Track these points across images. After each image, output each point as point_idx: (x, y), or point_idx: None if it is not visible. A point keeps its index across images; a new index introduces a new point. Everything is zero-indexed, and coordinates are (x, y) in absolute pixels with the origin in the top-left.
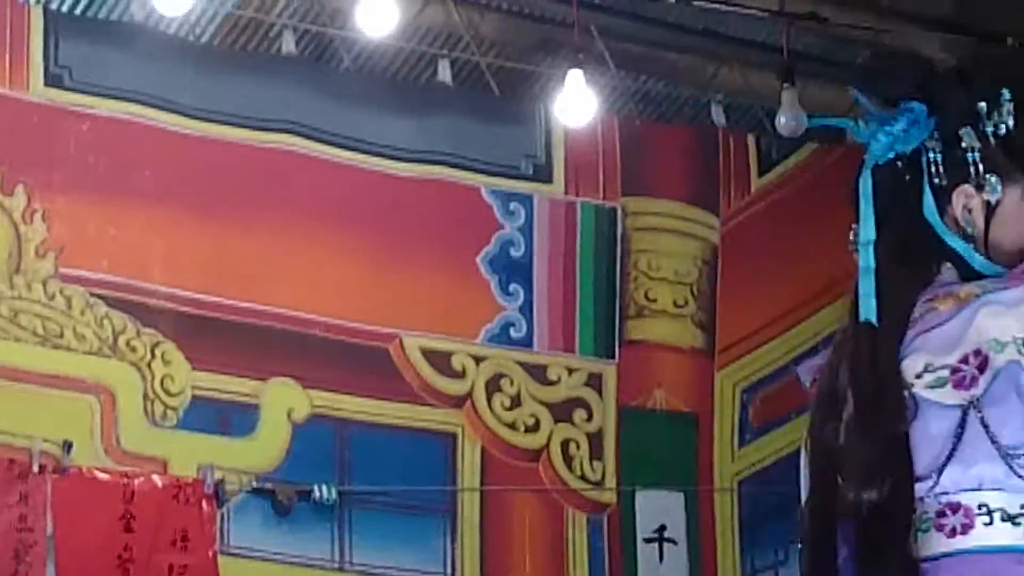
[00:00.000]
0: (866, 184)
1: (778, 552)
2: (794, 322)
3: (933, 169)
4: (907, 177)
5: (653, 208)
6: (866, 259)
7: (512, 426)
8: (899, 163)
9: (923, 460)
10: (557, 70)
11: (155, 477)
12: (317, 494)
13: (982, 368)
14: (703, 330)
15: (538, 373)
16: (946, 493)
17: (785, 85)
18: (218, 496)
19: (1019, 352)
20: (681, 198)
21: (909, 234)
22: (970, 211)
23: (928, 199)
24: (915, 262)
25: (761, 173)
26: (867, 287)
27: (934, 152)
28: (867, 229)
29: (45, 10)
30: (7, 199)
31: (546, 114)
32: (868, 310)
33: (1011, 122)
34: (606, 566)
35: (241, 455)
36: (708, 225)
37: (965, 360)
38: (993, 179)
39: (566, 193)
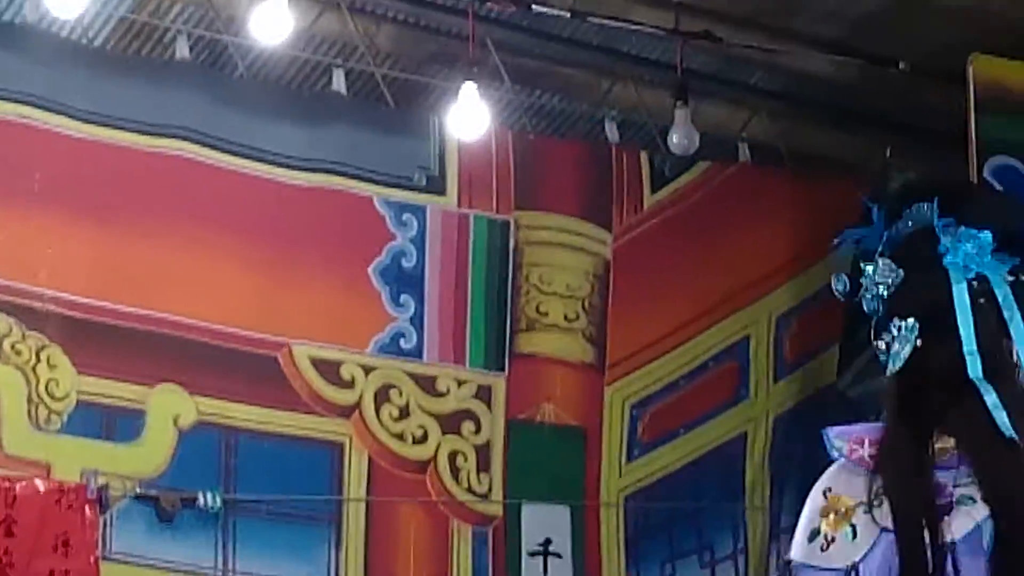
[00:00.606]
0: (963, 295)
1: (664, 567)
2: (684, 338)
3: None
4: (981, 300)
5: (545, 222)
6: (975, 369)
7: (400, 437)
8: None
9: None
10: (452, 83)
11: (37, 481)
12: (202, 501)
13: None
14: (593, 345)
15: (427, 384)
16: None
17: (679, 103)
18: (101, 502)
19: None
20: (574, 213)
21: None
22: None
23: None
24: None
25: (654, 190)
26: (992, 400)
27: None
28: (969, 340)
29: None
30: None
31: (440, 126)
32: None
33: None
34: None
35: (126, 461)
36: (600, 240)
37: None
38: None
39: (459, 205)
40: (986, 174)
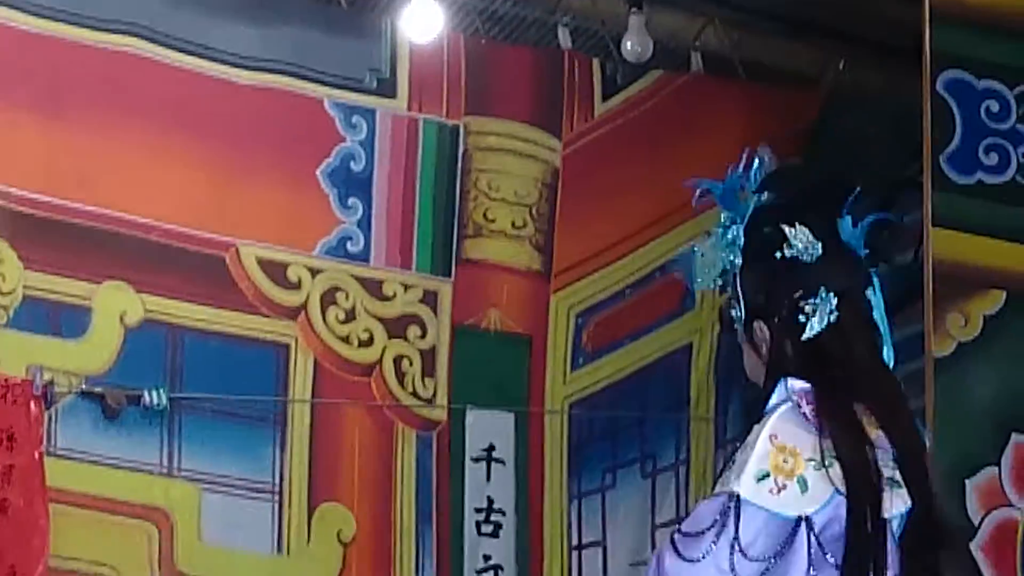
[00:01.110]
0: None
1: (605, 476)
2: (631, 248)
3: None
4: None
5: (495, 128)
6: (889, 356)
7: (346, 340)
8: None
9: None
10: None
11: None
12: (147, 399)
13: None
14: (540, 252)
15: (374, 288)
16: None
17: (633, 10)
18: (46, 398)
19: None
20: (524, 119)
21: None
22: None
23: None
24: None
25: (605, 98)
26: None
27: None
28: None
29: None
30: None
31: (392, 28)
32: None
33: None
34: (433, 483)
35: (71, 357)
36: (550, 147)
37: None
38: None
39: (409, 109)
40: (938, 87)
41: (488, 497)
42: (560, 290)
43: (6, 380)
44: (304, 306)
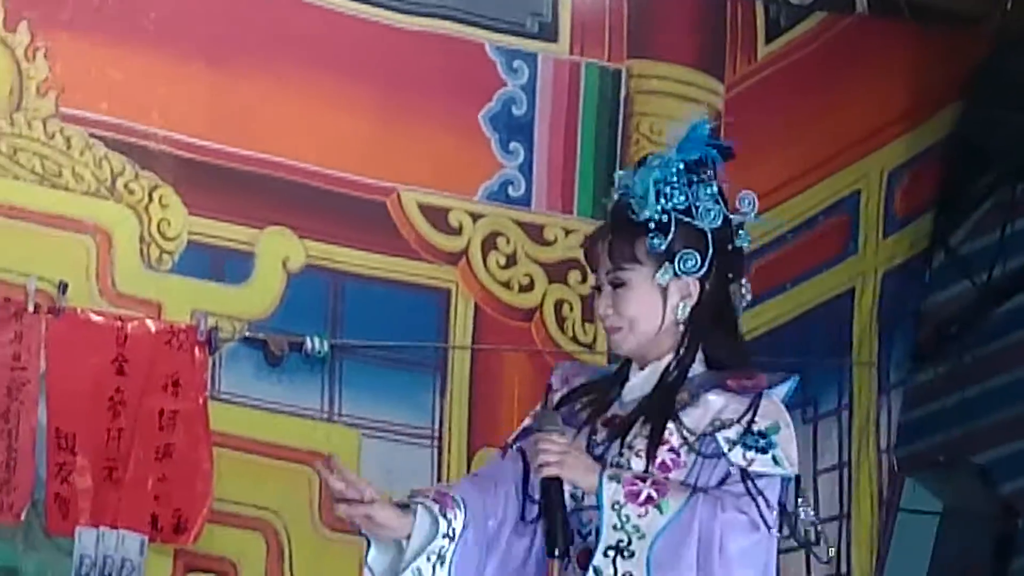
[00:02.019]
0: None
1: None
2: (794, 192)
3: None
4: None
5: (658, 71)
6: None
7: (506, 285)
8: None
9: None
10: None
11: (148, 322)
12: (309, 345)
13: None
14: None
15: (535, 233)
16: None
17: None
18: (210, 343)
19: None
20: (687, 62)
21: None
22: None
23: None
24: None
25: (768, 40)
26: None
27: None
28: None
29: None
30: (10, 36)
31: None
32: None
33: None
34: None
35: (235, 302)
36: (712, 91)
37: None
38: None
39: (571, 53)
40: None
41: None
42: None
43: (171, 326)
44: (465, 251)
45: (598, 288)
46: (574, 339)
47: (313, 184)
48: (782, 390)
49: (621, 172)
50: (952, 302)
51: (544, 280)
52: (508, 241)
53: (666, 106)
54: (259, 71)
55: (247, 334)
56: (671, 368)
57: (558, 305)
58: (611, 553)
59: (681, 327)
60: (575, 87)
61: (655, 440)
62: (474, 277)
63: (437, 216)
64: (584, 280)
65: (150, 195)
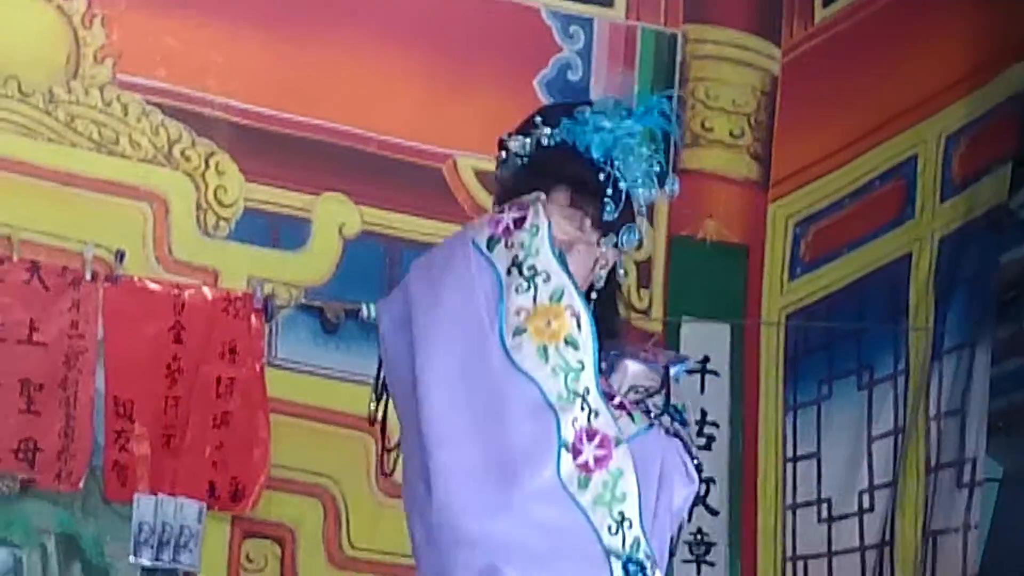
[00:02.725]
0: None
1: (821, 387)
2: (850, 156)
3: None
4: None
5: (714, 36)
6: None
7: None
8: None
9: None
10: None
11: (205, 289)
12: (365, 312)
13: None
14: (758, 161)
15: None
16: None
17: None
18: (267, 310)
19: None
20: (743, 27)
21: None
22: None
23: None
24: None
25: (825, 4)
26: None
27: None
28: None
29: None
30: (66, 3)
31: None
32: None
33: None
34: None
35: (291, 269)
36: (769, 55)
37: None
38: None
39: (626, 18)
40: None
41: (702, 409)
42: (778, 199)
43: (228, 294)
44: None
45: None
46: (629, 305)
47: (369, 150)
48: (680, 370)
49: (561, 120)
50: (1014, 265)
51: None
52: None
53: (722, 71)
54: (316, 37)
55: (303, 301)
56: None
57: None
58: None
59: (594, 295)
60: (631, 52)
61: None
62: None
63: (492, 181)
64: (640, 246)
65: (207, 162)
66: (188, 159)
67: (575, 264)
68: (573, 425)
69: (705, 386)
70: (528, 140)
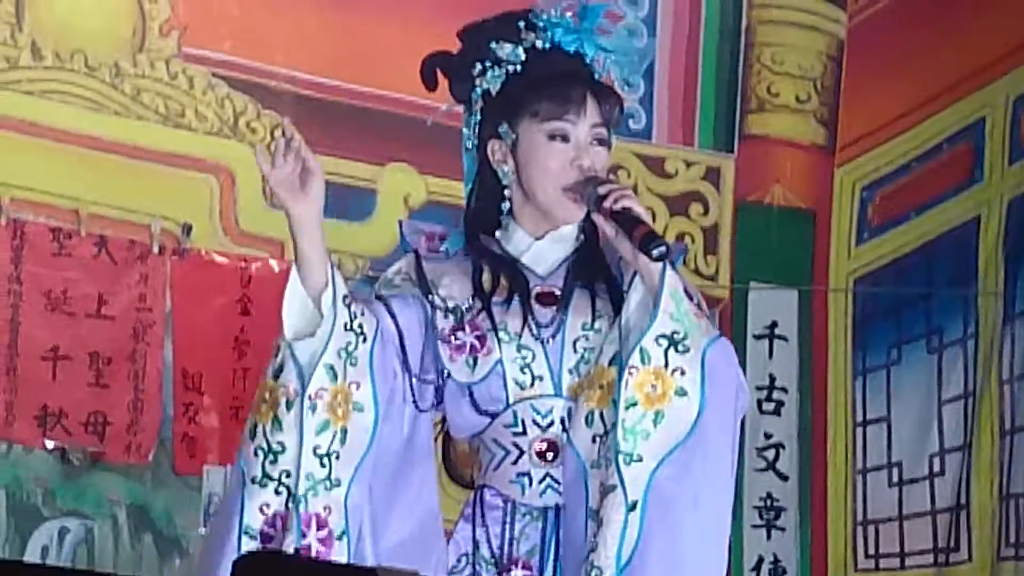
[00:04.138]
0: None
1: (890, 352)
2: (917, 120)
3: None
4: None
5: (779, 1)
6: None
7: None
8: None
9: None
10: None
11: (272, 262)
12: None
13: None
14: (824, 126)
15: (655, 165)
16: None
17: None
18: None
19: None
20: None
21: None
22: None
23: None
24: None
25: None
26: None
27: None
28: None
29: None
30: None
31: None
32: None
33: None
34: None
35: (357, 239)
36: (834, 19)
37: None
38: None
39: None
40: None
41: (770, 375)
42: (845, 164)
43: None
44: None
45: (562, 136)
46: (696, 271)
47: (433, 120)
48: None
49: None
50: None
51: (665, 213)
52: (629, 174)
53: (788, 35)
54: (380, 8)
55: (369, 272)
56: (579, 231)
57: (679, 238)
58: (663, 342)
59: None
60: (696, 18)
61: (619, 301)
62: None
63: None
64: (706, 212)
65: (272, 134)
66: (254, 131)
67: (604, 164)
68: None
69: (774, 352)
70: (518, 47)
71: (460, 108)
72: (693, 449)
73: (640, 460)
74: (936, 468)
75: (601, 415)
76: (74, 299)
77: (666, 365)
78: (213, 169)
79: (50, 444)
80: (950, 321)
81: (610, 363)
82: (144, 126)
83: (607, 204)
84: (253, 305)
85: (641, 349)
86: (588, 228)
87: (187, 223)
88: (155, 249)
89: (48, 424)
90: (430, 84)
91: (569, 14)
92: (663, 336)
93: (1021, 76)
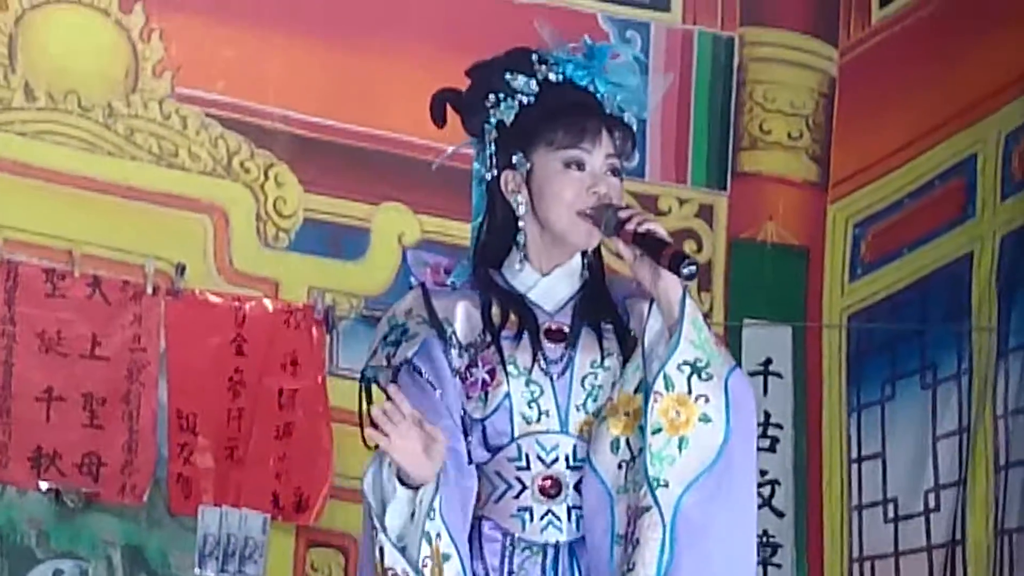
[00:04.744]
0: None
1: (885, 388)
2: (910, 156)
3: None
4: None
5: (771, 38)
6: None
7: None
8: None
9: None
10: None
11: (266, 302)
12: None
13: None
14: (817, 163)
15: (649, 203)
16: None
17: None
18: (328, 321)
19: None
20: (800, 29)
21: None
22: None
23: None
24: None
25: (882, 4)
26: None
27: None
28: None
29: None
30: (125, 17)
31: None
32: None
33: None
34: None
35: (351, 278)
36: (826, 57)
37: None
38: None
39: (683, 22)
40: None
41: (765, 411)
42: (837, 201)
43: (289, 305)
44: None
45: (578, 164)
46: None
47: (427, 159)
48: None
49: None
50: None
51: None
52: None
53: (779, 73)
54: (374, 47)
55: (364, 311)
56: (584, 268)
57: None
58: (686, 369)
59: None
60: (688, 56)
61: (626, 338)
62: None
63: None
64: (700, 249)
65: (266, 173)
66: (247, 171)
67: (618, 195)
68: None
69: (768, 388)
70: (531, 80)
71: (464, 149)
72: (720, 476)
73: (667, 486)
74: (931, 504)
75: (627, 442)
76: (68, 340)
77: (689, 392)
78: (207, 209)
79: (44, 485)
80: (944, 357)
81: (636, 391)
82: (138, 166)
83: (630, 227)
84: (248, 345)
85: (665, 375)
86: (593, 265)
87: (181, 263)
88: (149, 289)
89: (42, 465)
90: (439, 120)
91: (578, 55)
92: (686, 363)
93: (1012, 112)
